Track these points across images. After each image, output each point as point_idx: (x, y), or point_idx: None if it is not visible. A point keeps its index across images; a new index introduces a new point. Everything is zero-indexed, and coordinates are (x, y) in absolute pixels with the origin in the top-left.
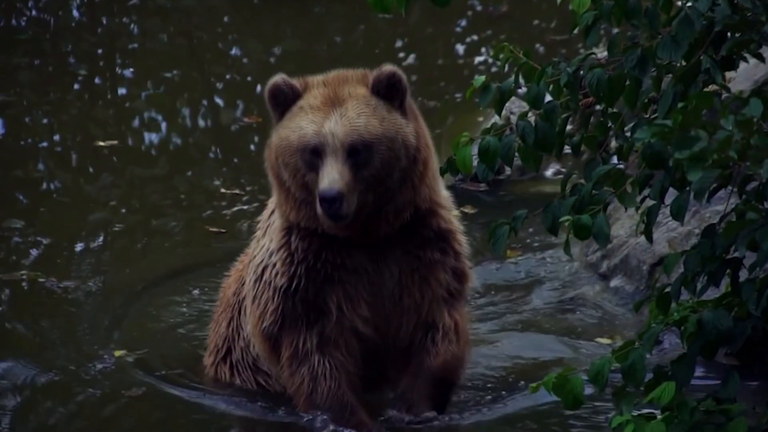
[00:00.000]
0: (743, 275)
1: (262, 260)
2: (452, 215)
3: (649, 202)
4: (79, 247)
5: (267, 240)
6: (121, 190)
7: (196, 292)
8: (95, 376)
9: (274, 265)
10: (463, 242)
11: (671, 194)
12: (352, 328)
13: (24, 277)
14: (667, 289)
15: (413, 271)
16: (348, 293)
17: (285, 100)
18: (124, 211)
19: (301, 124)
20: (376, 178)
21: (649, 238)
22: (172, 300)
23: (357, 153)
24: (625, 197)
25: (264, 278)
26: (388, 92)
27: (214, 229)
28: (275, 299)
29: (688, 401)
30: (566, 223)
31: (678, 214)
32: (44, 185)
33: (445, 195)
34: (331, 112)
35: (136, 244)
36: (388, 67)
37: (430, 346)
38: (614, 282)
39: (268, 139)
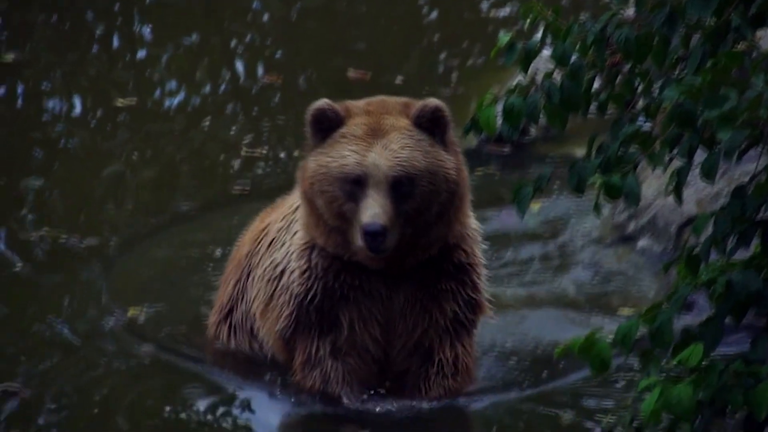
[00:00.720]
0: None
1: (282, 261)
2: (477, 247)
3: (678, 162)
4: (98, 204)
5: (289, 238)
6: (138, 147)
7: (218, 252)
8: (107, 335)
9: (292, 272)
10: (482, 274)
11: (700, 154)
12: (363, 346)
13: (45, 235)
14: (696, 250)
15: (418, 299)
16: (362, 314)
17: (328, 126)
18: (142, 167)
19: (343, 153)
20: (416, 211)
21: (679, 199)
22: (192, 257)
23: (400, 186)
24: (653, 157)
25: (282, 281)
26: (431, 125)
27: (238, 188)
28: (290, 305)
29: (717, 363)
30: (595, 184)
31: (708, 174)
32: (61, 144)
33: (474, 227)
34: (374, 142)
35: (157, 202)
36: (432, 101)
37: (422, 378)
38: (641, 243)
39: (302, 161)
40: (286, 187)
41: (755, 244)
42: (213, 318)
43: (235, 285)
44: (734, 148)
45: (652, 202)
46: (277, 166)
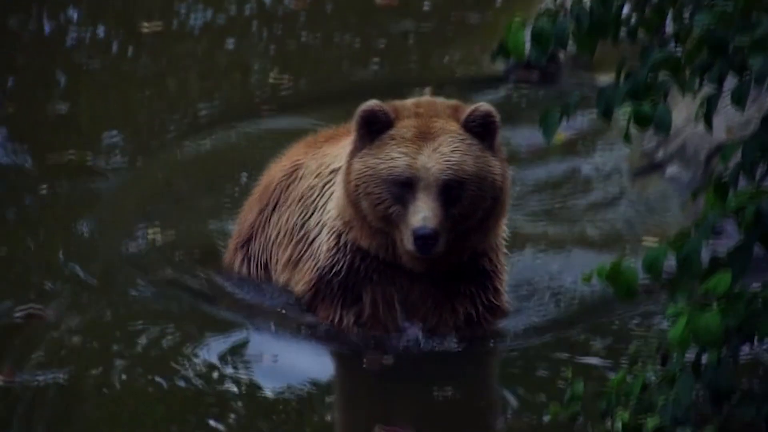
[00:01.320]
0: None
1: (313, 229)
2: (502, 255)
3: (708, 89)
4: (124, 129)
5: (322, 206)
6: (164, 71)
7: (244, 175)
8: (128, 256)
9: (320, 245)
10: (504, 280)
11: (730, 81)
12: (385, 325)
13: (72, 158)
14: (725, 178)
15: (431, 295)
16: (384, 295)
17: (378, 127)
18: (169, 93)
19: (392, 155)
20: (462, 216)
21: (709, 126)
22: (216, 182)
23: (449, 190)
24: (684, 84)
25: (309, 250)
26: (482, 130)
27: (266, 108)
28: (313, 272)
29: (744, 292)
30: (625, 113)
31: (739, 101)
32: (85, 68)
33: (503, 233)
34: (424, 145)
35: (181, 128)
36: (483, 106)
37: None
38: (670, 170)
39: (347, 161)
40: (308, 107)
41: None
42: (232, 243)
43: (258, 215)
44: (765, 75)
45: (681, 129)
46: (299, 88)
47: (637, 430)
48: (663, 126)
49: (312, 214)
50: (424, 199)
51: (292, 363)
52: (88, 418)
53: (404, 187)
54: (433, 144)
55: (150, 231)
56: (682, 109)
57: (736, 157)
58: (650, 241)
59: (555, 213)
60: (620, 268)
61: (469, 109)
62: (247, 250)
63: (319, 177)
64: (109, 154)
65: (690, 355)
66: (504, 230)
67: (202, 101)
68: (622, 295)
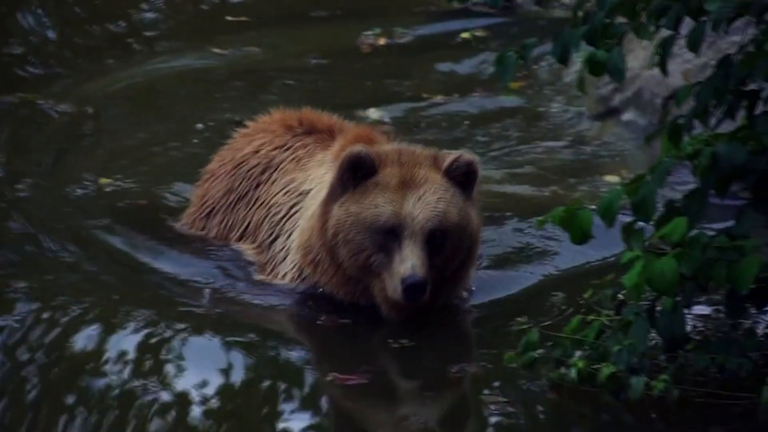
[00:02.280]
0: (760, 107)
1: (280, 250)
2: (468, 289)
3: (665, 33)
4: (76, 72)
5: (291, 229)
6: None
7: (199, 126)
8: (75, 200)
9: (285, 273)
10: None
11: (687, 24)
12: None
13: (20, 98)
14: (680, 121)
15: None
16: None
17: (364, 174)
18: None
19: (377, 202)
20: (443, 265)
21: (664, 71)
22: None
23: (434, 239)
24: (640, 28)
25: (273, 267)
26: (463, 179)
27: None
28: (282, 279)
29: (701, 237)
30: (579, 57)
31: (694, 44)
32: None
33: (471, 276)
34: (409, 194)
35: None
36: (465, 155)
37: None
38: (626, 116)
39: (323, 207)
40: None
41: (741, 115)
42: (192, 209)
43: (224, 195)
44: (722, 18)
45: (637, 74)
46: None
47: (592, 377)
48: (617, 72)
49: (277, 237)
50: (411, 247)
51: (242, 316)
52: None
53: (388, 235)
54: (417, 192)
55: (102, 180)
56: (639, 54)
57: (691, 102)
58: (611, 179)
59: (511, 156)
60: (574, 213)
61: (449, 158)
62: (207, 222)
63: (287, 195)
64: (58, 96)
65: (645, 305)
66: (473, 272)
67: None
68: (576, 239)
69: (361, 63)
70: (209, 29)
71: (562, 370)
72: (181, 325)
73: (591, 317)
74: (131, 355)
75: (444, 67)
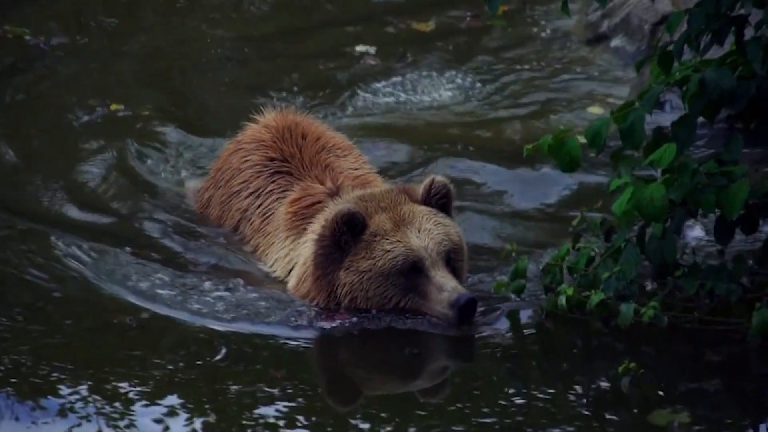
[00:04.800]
0: (748, 33)
1: (264, 275)
2: None
3: None
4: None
5: (270, 264)
6: None
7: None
8: (87, 126)
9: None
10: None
11: None
12: None
13: (7, 32)
14: (670, 48)
15: None
16: None
17: (360, 230)
18: None
19: (386, 248)
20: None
21: None
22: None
23: (449, 261)
24: None
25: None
26: (441, 202)
27: None
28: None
29: (689, 163)
30: None
31: None
32: None
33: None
34: (408, 230)
35: None
36: (437, 179)
37: None
38: (615, 42)
39: (320, 281)
40: None
41: (730, 41)
42: (206, 185)
43: (221, 204)
44: None
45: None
46: None
47: (582, 304)
48: None
49: (258, 261)
50: (440, 273)
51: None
52: None
53: (410, 275)
54: (414, 226)
55: (112, 105)
56: None
57: (681, 28)
58: (596, 110)
59: (502, 84)
60: (562, 141)
61: (422, 188)
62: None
63: (258, 257)
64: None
65: (634, 234)
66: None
67: None
68: (564, 166)
69: None
70: None
71: (552, 297)
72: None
73: (580, 245)
74: None
75: None
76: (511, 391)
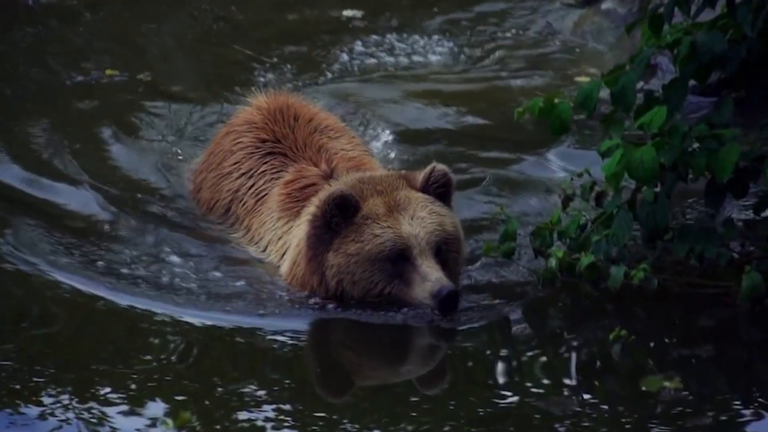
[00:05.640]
0: None
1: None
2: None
3: None
4: None
5: (261, 250)
6: None
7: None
8: (85, 89)
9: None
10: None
11: None
12: None
13: None
14: (660, 10)
15: None
16: None
17: (352, 212)
18: None
19: (375, 233)
20: (447, 275)
21: None
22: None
23: (438, 252)
24: None
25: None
26: (440, 191)
27: None
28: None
29: (680, 126)
30: None
31: None
32: None
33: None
34: (401, 217)
35: None
36: (438, 167)
37: None
38: (606, 5)
39: (311, 262)
40: None
41: (721, 4)
42: (199, 168)
43: (212, 185)
44: None
45: None
46: None
47: (572, 267)
48: None
49: (250, 243)
50: (426, 263)
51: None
52: None
53: (397, 261)
54: (408, 213)
55: (108, 71)
56: None
57: None
58: (583, 79)
59: (490, 48)
60: (553, 104)
61: (423, 174)
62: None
63: (249, 238)
64: None
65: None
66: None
67: None
68: (555, 130)
69: None
70: None
71: (542, 260)
72: None
73: (570, 210)
74: None
75: None
76: (501, 355)
